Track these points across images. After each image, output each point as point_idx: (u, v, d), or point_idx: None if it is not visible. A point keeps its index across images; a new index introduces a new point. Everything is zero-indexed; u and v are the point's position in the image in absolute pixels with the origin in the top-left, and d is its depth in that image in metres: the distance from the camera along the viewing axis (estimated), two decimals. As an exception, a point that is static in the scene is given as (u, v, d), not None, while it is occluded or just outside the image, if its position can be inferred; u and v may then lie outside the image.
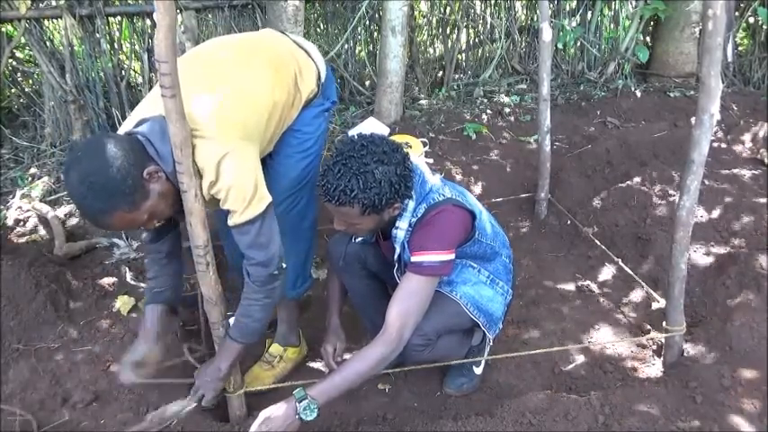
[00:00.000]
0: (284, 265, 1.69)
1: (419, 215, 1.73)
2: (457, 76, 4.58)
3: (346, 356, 1.99)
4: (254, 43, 1.92)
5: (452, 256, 1.73)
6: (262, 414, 1.60)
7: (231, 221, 1.58)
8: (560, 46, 4.44)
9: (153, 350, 1.84)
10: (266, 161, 1.95)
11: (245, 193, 1.55)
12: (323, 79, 1.97)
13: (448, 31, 4.54)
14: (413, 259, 1.71)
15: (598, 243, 2.76)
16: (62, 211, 3.00)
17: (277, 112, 1.78)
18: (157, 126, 1.53)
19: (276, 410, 1.59)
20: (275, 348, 2.17)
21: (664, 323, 1.98)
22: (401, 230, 1.76)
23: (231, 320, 1.77)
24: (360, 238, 1.92)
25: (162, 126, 1.48)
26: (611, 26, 4.57)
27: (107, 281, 2.58)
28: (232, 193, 1.54)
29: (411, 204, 1.73)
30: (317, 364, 2.24)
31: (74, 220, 2.97)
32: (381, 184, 1.58)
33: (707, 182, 2.85)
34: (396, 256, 1.83)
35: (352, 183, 1.56)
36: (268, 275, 1.66)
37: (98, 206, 1.47)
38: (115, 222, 1.52)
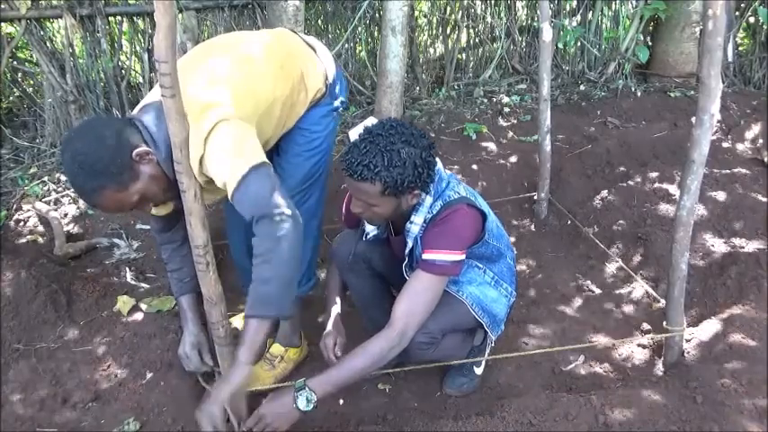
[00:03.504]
0: (290, 212, 1.47)
1: (434, 212, 1.74)
2: (457, 76, 4.59)
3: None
4: (264, 39, 1.91)
5: (463, 257, 1.74)
6: (263, 402, 1.62)
7: (229, 196, 1.51)
8: (560, 46, 4.44)
9: (200, 336, 1.91)
10: (274, 159, 1.95)
11: (226, 157, 1.50)
12: (330, 79, 1.98)
13: (448, 31, 4.54)
14: (424, 257, 1.71)
15: (598, 243, 2.76)
16: (62, 211, 3.00)
17: (277, 107, 1.78)
18: (152, 111, 1.54)
19: (275, 398, 1.61)
20: (276, 348, 2.17)
21: (664, 323, 1.98)
22: (416, 225, 1.76)
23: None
24: (370, 235, 1.92)
25: (157, 111, 1.48)
26: (612, 26, 4.57)
27: (107, 281, 2.58)
28: (215, 163, 1.50)
29: (428, 200, 1.74)
30: (318, 365, 2.24)
31: (74, 221, 2.98)
32: (406, 165, 1.58)
33: (707, 182, 2.85)
34: (407, 251, 1.84)
35: (377, 159, 1.57)
36: (270, 221, 1.46)
37: (88, 184, 1.50)
38: (105, 201, 1.54)
